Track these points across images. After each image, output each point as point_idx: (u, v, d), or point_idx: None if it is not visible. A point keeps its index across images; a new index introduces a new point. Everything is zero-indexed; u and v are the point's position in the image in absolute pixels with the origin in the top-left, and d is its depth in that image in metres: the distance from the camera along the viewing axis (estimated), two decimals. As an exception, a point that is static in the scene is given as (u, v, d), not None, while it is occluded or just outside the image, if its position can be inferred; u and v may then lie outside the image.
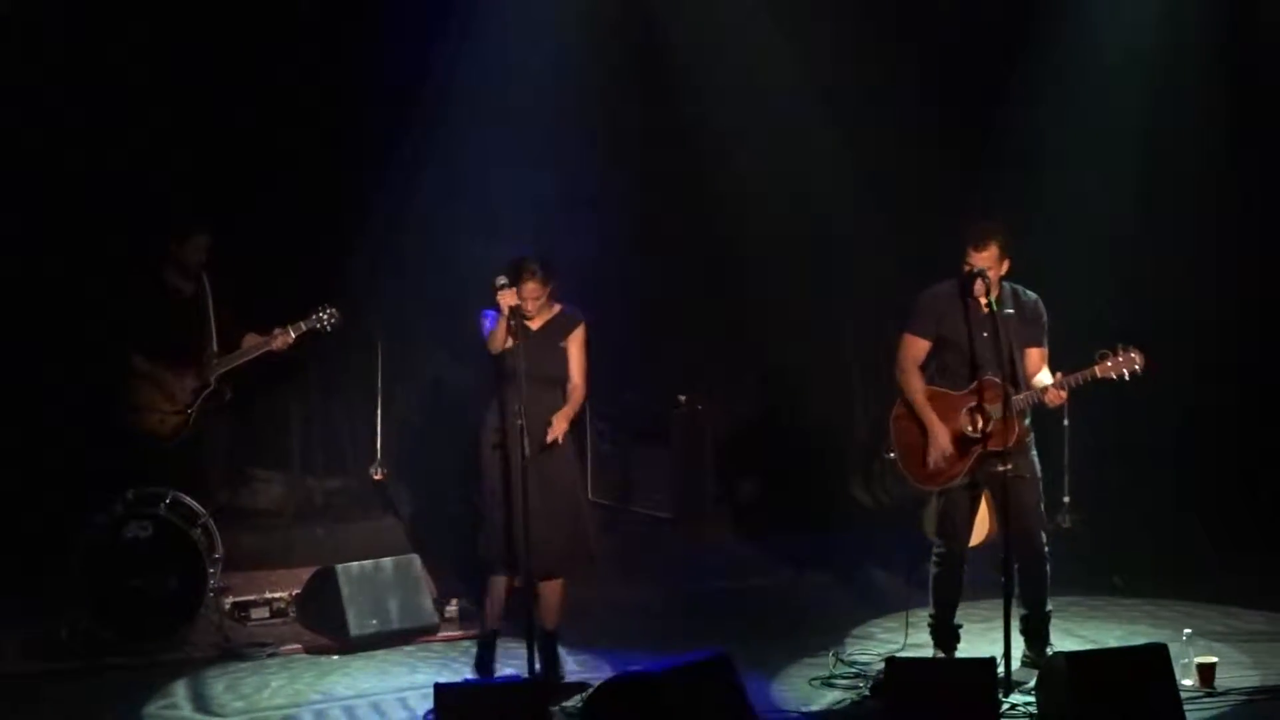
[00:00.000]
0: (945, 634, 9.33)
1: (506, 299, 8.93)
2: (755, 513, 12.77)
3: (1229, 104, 11.91)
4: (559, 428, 9.14)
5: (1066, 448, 10.91)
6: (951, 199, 11.64)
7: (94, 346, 10.74)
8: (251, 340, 10.54)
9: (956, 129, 12.24)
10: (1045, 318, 9.26)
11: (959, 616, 9.36)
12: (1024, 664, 9.06)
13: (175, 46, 11.31)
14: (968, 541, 9.30)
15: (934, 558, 9.35)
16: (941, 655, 9.26)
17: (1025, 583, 9.15)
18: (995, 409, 8.99)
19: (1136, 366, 8.90)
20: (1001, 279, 9.14)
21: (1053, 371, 9.10)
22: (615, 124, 12.29)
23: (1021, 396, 9.04)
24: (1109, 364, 8.90)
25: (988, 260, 9.04)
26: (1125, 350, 8.91)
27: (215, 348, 10.51)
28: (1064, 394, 9.01)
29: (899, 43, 12.40)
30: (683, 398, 12.76)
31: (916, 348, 9.29)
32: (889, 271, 11.88)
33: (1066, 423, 10.62)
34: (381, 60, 11.51)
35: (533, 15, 11.82)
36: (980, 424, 9.06)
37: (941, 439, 9.13)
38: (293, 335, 10.43)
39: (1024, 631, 9.22)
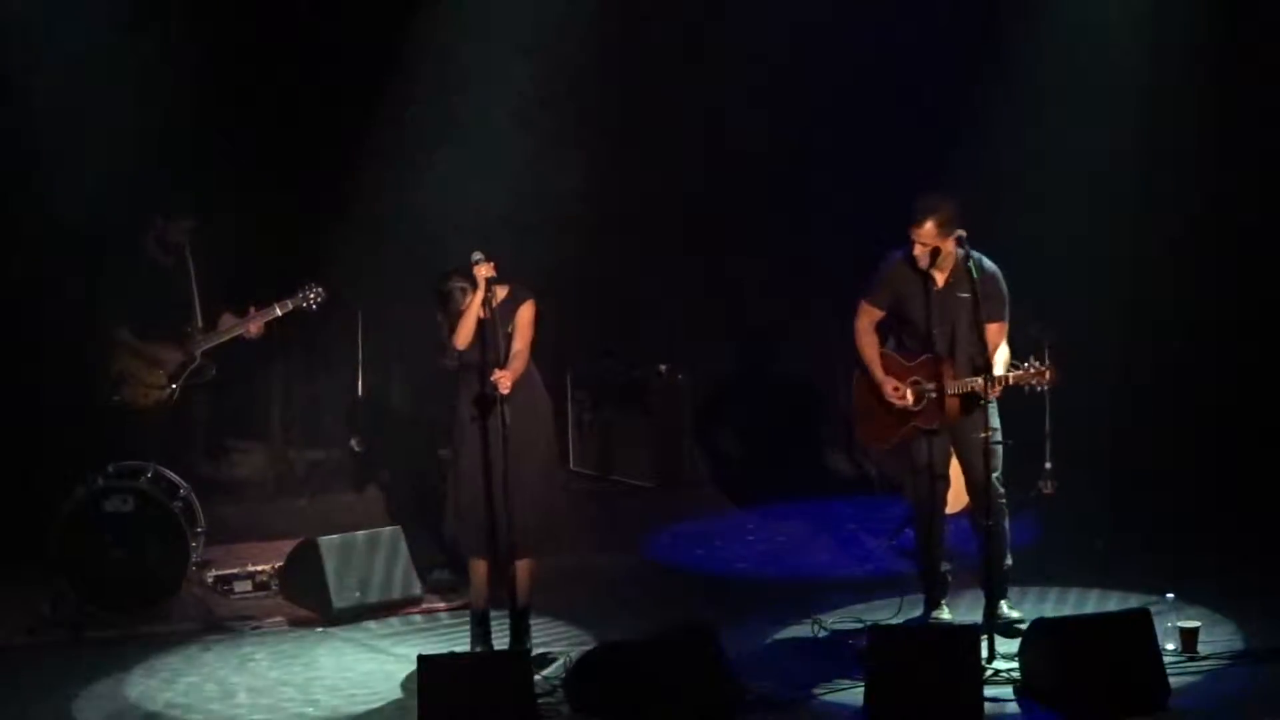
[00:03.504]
0: (931, 581, 9.39)
1: (482, 271, 8.94)
2: (736, 481, 12.78)
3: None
4: (505, 381, 8.95)
5: (1048, 415, 10.93)
6: (928, 160, 11.62)
7: (76, 319, 10.72)
8: (228, 321, 10.53)
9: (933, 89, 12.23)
10: (1005, 291, 9.12)
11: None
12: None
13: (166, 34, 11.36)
14: (943, 494, 9.31)
15: (912, 513, 9.48)
16: (927, 603, 9.36)
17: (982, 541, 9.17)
18: (932, 387, 9.04)
19: (1045, 383, 8.97)
20: (961, 248, 8.95)
21: (1011, 346, 9.09)
22: (589, 87, 12.27)
23: (958, 382, 8.99)
24: (1019, 373, 8.95)
25: (926, 237, 8.95)
26: (1036, 365, 8.97)
27: (199, 322, 10.51)
28: (997, 389, 8.93)
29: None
30: (663, 367, 12.76)
31: (870, 315, 9.27)
32: (870, 234, 11.84)
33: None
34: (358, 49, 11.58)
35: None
36: (914, 400, 9.08)
37: (890, 393, 9.11)
38: (263, 322, 10.46)
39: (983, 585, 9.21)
